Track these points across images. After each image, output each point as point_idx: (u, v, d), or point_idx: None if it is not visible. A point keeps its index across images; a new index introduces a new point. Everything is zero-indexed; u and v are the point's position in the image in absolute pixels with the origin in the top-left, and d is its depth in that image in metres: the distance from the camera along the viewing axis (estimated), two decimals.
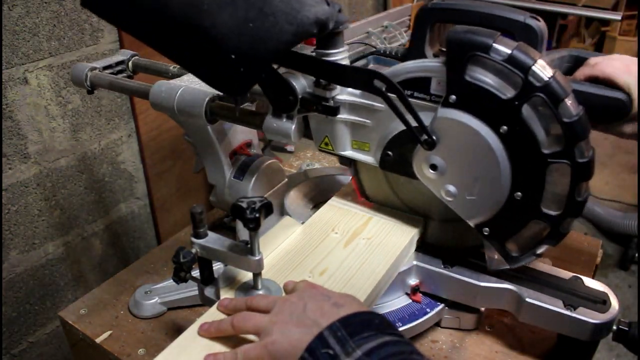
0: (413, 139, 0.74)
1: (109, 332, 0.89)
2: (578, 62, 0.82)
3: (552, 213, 0.70)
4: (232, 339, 0.63)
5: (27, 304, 1.36)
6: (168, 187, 1.65)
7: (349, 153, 0.84)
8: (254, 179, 0.94)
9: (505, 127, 0.67)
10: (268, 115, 0.82)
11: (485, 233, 0.76)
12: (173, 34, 0.68)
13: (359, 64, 0.82)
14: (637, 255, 2.46)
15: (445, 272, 0.82)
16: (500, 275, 0.80)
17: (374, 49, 0.87)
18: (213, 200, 1.00)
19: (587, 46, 4.37)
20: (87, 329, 0.90)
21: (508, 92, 0.66)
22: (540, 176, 0.68)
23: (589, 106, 0.67)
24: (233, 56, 0.66)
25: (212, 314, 0.67)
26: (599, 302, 0.76)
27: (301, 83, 0.78)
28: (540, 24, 0.68)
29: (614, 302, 0.76)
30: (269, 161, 0.97)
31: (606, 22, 4.08)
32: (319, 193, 1.06)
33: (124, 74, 1.07)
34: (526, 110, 0.65)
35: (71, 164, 1.37)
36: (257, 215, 0.63)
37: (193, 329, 0.64)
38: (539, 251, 0.74)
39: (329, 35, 0.73)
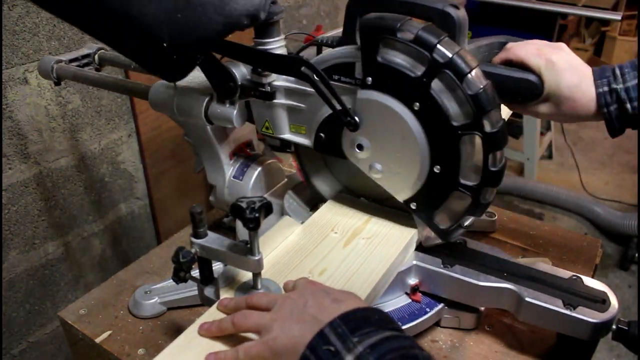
0: (339, 121, 0.78)
1: (108, 332, 0.89)
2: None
3: (471, 184, 0.73)
4: (233, 339, 0.63)
5: (27, 304, 1.36)
6: (168, 187, 1.65)
7: (287, 136, 0.88)
8: (253, 179, 0.94)
9: (417, 104, 0.71)
10: (213, 101, 0.87)
11: (413, 207, 0.80)
12: (107, 23, 0.72)
13: None
14: (637, 255, 2.46)
15: (445, 272, 0.82)
16: (500, 275, 0.81)
17: (314, 38, 0.89)
18: (213, 200, 1.00)
19: (587, 46, 4.36)
20: (87, 329, 0.90)
21: (418, 71, 0.70)
22: (454, 148, 0.71)
23: (504, 88, 0.74)
24: (165, 44, 0.70)
25: (212, 314, 0.67)
26: (599, 301, 0.76)
27: (241, 70, 0.84)
28: (459, 12, 0.72)
29: (614, 302, 0.76)
30: (269, 161, 0.97)
31: (606, 22, 4.08)
32: None
33: (90, 67, 1.10)
34: (436, 85, 0.69)
35: (71, 164, 1.37)
36: (257, 215, 0.63)
37: (193, 329, 0.64)
38: (465, 223, 0.78)
39: (263, 25, 0.78)
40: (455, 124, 0.69)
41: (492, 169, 0.71)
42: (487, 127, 0.68)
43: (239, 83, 0.83)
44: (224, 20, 0.70)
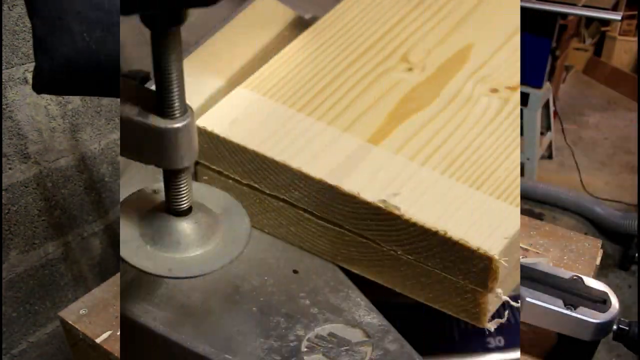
0: None
1: (109, 332, 0.89)
2: None
3: None
4: None
5: (27, 304, 1.36)
6: None
7: None
8: None
9: None
10: None
11: None
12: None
13: None
14: (637, 255, 2.46)
15: None
16: None
17: None
18: None
19: (587, 46, 4.36)
20: (87, 329, 0.90)
21: None
22: None
23: None
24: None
25: None
26: (600, 301, 0.76)
27: None
28: None
29: (615, 302, 0.76)
30: None
31: (606, 22, 4.07)
32: None
33: None
34: None
35: (71, 164, 1.37)
36: None
37: None
38: None
39: None
40: None
41: None
42: None
43: None
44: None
